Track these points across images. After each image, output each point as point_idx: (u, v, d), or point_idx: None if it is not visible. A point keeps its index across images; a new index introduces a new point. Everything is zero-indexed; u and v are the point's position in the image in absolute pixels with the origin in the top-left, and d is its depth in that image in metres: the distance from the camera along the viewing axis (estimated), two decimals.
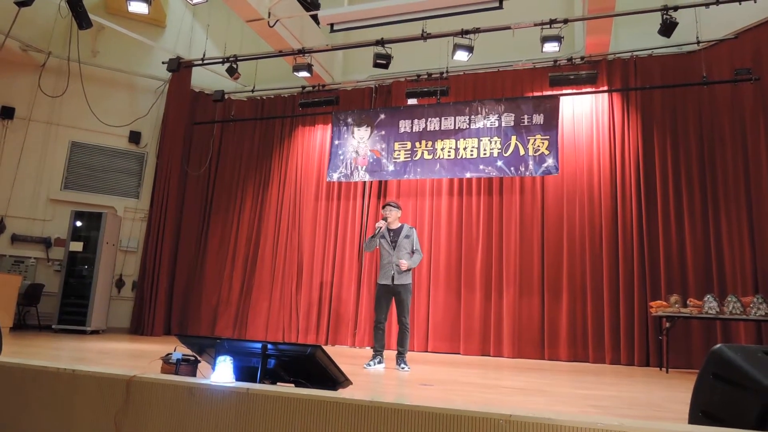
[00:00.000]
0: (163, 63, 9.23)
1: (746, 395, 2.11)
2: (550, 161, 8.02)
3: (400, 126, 8.95)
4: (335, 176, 9.24)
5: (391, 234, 5.81)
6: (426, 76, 8.96)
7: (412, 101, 8.99)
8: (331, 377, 2.93)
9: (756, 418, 2.06)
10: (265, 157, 10.25)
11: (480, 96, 8.93)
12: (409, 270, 5.72)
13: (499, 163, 8.27)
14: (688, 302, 6.68)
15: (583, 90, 8.37)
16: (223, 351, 2.87)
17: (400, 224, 5.89)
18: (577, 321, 7.86)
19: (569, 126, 8.49)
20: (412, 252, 5.79)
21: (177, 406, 2.55)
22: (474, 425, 2.09)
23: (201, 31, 10.36)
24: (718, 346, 2.27)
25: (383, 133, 9.03)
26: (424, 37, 7.77)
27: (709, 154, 7.76)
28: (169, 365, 3.11)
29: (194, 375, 3.17)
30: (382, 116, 9.12)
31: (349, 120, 9.32)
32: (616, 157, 8.17)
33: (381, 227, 5.77)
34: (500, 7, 7.23)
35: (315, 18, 8.95)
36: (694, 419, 2.30)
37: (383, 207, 5.92)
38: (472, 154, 8.44)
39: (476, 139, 8.47)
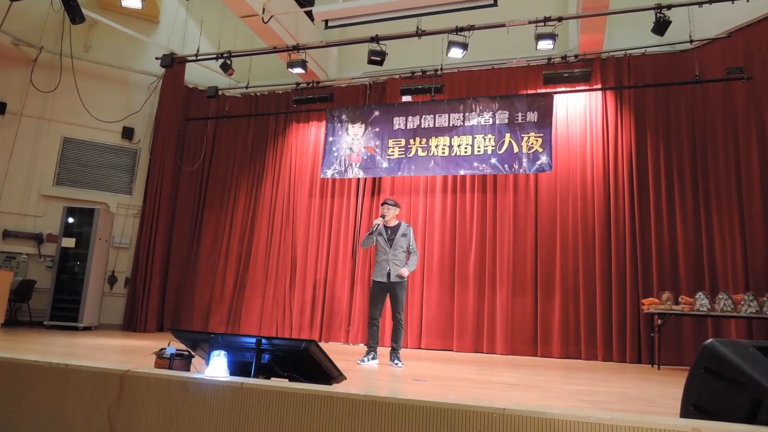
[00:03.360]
0: (156, 59, 9.16)
1: (737, 389, 2.13)
2: (543, 158, 8.05)
3: (394, 123, 8.96)
4: (329, 173, 9.23)
5: (389, 231, 5.82)
6: (420, 74, 8.96)
7: (406, 98, 8.99)
8: (326, 372, 2.93)
9: (746, 412, 2.08)
10: (259, 154, 10.22)
11: (474, 93, 8.94)
12: (404, 264, 5.75)
13: (493, 160, 8.29)
14: (679, 299, 6.72)
15: (577, 88, 8.40)
16: (218, 346, 2.86)
17: (397, 222, 5.90)
18: (569, 318, 7.89)
19: (563, 124, 8.52)
20: (408, 251, 5.82)
21: (171, 401, 2.55)
22: (468, 419, 2.10)
23: (195, 26, 10.30)
24: (710, 340, 2.29)
25: (377, 130, 9.03)
26: (419, 34, 7.76)
27: (701, 152, 7.80)
28: (163, 360, 3.11)
29: (188, 370, 3.17)
30: (377, 113, 9.12)
31: (344, 117, 9.31)
32: (609, 155, 8.21)
33: (378, 224, 5.78)
34: (495, 5, 7.24)
35: (309, 14, 8.93)
36: (685, 413, 2.32)
37: (382, 204, 5.93)
38: (466, 152, 8.45)
39: (470, 137, 8.48)
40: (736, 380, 2.13)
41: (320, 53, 9.73)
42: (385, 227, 5.84)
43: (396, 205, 5.90)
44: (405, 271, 5.69)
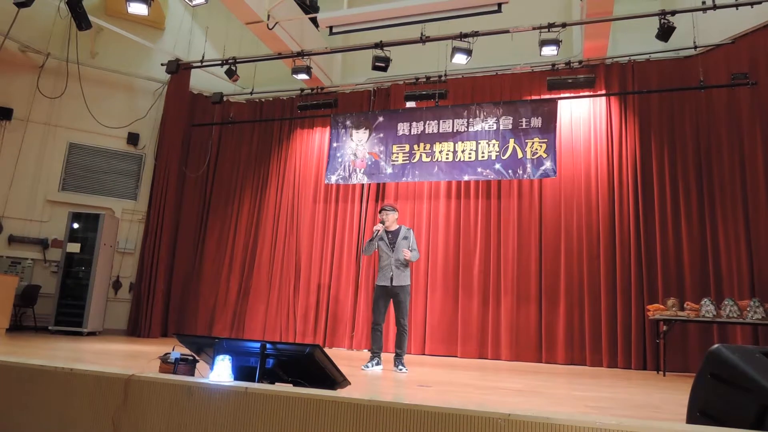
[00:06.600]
0: (162, 65, 9.24)
1: (744, 395, 2.12)
2: (548, 164, 8.04)
3: (398, 129, 8.97)
4: (333, 179, 9.25)
5: (390, 236, 5.83)
6: (424, 80, 8.98)
7: (410, 104, 9.01)
8: (330, 377, 2.93)
9: (753, 419, 2.07)
10: (264, 160, 10.25)
11: (478, 99, 8.96)
12: (408, 268, 5.74)
13: (497, 165, 8.29)
14: (685, 306, 6.70)
15: (581, 94, 8.41)
16: (222, 350, 2.87)
17: (398, 226, 5.90)
18: (574, 324, 7.86)
19: (567, 129, 8.52)
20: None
21: (175, 405, 2.55)
22: (473, 424, 2.09)
23: (200, 33, 10.36)
24: (716, 346, 2.28)
25: (381, 135, 9.05)
26: (423, 40, 7.78)
27: (706, 158, 7.79)
28: (168, 365, 3.11)
29: (192, 374, 3.17)
30: (381, 119, 9.14)
31: (348, 123, 9.33)
32: (614, 161, 8.20)
33: (378, 230, 5.79)
34: (499, 11, 7.26)
35: (314, 21, 8.97)
36: (692, 419, 2.30)
37: (380, 211, 5.95)
38: (470, 157, 8.45)
39: (474, 142, 8.49)
40: (743, 386, 2.12)
41: (324, 59, 9.77)
42: (387, 232, 5.85)
43: (394, 209, 5.91)
44: (407, 252, 5.68)
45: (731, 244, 7.32)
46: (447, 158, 8.57)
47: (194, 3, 7.34)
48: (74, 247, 8.75)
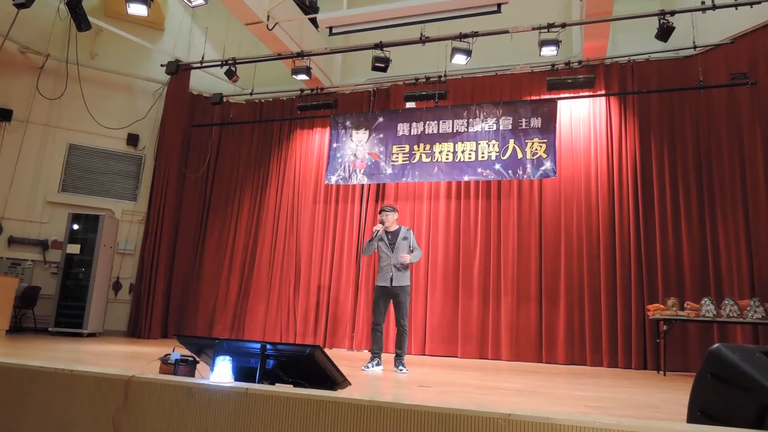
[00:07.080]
0: (161, 66, 9.24)
1: (744, 395, 2.12)
2: (548, 164, 8.04)
3: (398, 129, 8.97)
4: (333, 179, 9.25)
5: (389, 236, 5.83)
6: (424, 80, 8.98)
7: (410, 104, 9.01)
8: (330, 377, 2.93)
9: (754, 418, 2.07)
10: (264, 160, 10.25)
11: (478, 99, 8.96)
12: (407, 269, 5.74)
13: (497, 166, 8.29)
14: (685, 305, 6.70)
15: (581, 94, 8.41)
16: (222, 351, 2.86)
17: (398, 226, 5.90)
18: (574, 324, 7.86)
19: (567, 130, 8.52)
20: (411, 251, 5.82)
21: (175, 406, 2.54)
22: (473, 424, 2.09)
23: (200, 34, 10.36)
24: (716, 345, 2.28)
25: (381, 136, 9.05)
26: (423, 40, 7.79)
27: (706, 157, 7.79)
28: (168, 365, 3.11)
29: (193, 375, 3.16)
30: (381, 119, 9.14)
31: (348, 123, 9.33)
32: (614, 161, 8.20)
33: (378, 231, 5.79)
34: (499, 11, 7.26)
35: (314, 21, 8.97)
36: (692, 419, 2.31)
37: (380, 212, 5.95)
38: (470, 158, 8.45)
39: (474, 143, 8.49)
40: (743, 385, 2.12)
41: (324, 60, 9.77)
42: (386, 232, 5.85)
43: (394, 210, 5.91)
44: (407, 257, 5.68)
45: (731, 244, 7.32)
46: (447, 159, 8.57)
47: (194, 4, 7.35)
48: (74, 249, 8.74)
